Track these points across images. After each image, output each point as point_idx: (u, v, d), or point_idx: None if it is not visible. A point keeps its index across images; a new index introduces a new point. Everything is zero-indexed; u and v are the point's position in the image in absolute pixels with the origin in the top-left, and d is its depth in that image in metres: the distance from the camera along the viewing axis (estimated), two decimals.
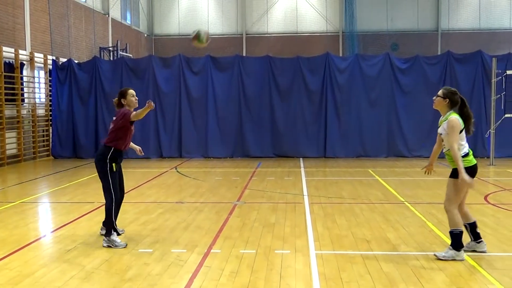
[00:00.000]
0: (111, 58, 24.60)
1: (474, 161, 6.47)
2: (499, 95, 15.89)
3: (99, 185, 12.43)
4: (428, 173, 7.23)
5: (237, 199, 10.46)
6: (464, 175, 6.20)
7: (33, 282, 5.73)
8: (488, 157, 16.14)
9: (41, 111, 18.94)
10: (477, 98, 17.47)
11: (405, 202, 9.96)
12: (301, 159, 17.45)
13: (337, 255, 6.62)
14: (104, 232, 7.30)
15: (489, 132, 16.00)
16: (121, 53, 25.22)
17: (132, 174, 14.40)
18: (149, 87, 18.17)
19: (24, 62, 17.67)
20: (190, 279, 5.77)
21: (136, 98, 7.43)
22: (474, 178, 6.39)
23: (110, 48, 25.54)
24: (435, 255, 6.46)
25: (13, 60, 16.95)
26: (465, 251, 6.48)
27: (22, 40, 17.70)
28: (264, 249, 6.89)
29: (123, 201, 7.58)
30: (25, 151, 17.61)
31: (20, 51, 17.31)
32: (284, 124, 18.05)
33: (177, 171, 14.94)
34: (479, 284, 5.57)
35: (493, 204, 9.81)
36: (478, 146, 17.46)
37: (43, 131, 18.95)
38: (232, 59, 18.50)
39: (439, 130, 6.66)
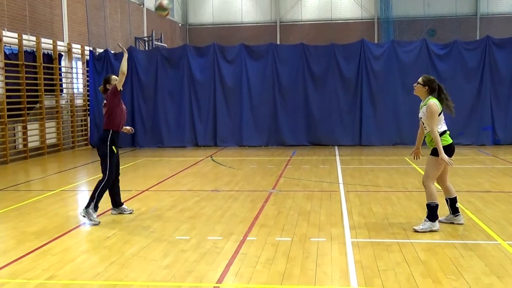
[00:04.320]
0: (146, 48, 24.85)
1: (451, 140, 7.05)
2: None
3: (135, 173, 12.69)
4: (416, 158, 7.65)
5: (272, 187, 10.48)
6: (443, 155, 6.79)
7: (74, 268, 5.87)
8: None
9: (79, 101, 19.29)
10: None
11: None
12: (336, 147, 17.35)
13: (373, 243, 6.58)
14: (115, 212, 8.29)
15: None
16: (156, 43, 25.43)
17: (168, 163, 14.58)
18: (183, 76, 18.31)
19: (62, 53, 18.00)
20: (226, 266, 5.82)
21: None
22: (452, 157, 6.95)
23: (145, 38, 25.78)
24: (414, 229, 6.98)
25: (52, 51, 17.29)
26: (442, 222, 7.27)
27: (60, 31, 18.02)
28: (300, 237, 6.90)
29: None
30: (64, 141, 17.99)
31: (58, 43, 17.63)
32: (318, 112, 17.93)
33: (213, 159, 15.04)
34: None
35: None
36: None
37: (81, 121, 19.32)
38: (266, 47, 18.45)
39: (420, 114, 7.16)
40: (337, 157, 14.98)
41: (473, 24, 30.40)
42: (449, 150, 6.97)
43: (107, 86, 8.21)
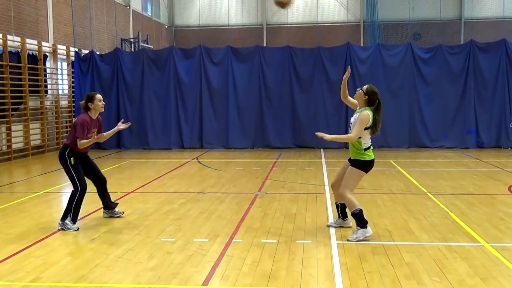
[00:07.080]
0: (133, 50, 24.75)
1: (373, 156, 6.99)
2: None
3: (121, 175, 12.63)
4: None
5: (258, 190, 10.49)
6: (329, 136, 7.10)
7: (59, 270, 5.83)
8: None
9: (64, 102, 19.15)
10: (501, 87, 17.29)
11: (427, 193, 9.90)
12: (322, 149, 17.41)
13: (358, 245, 6.61)
14: (107, 215, 8.20)
15: None
16: (142, 44, 25.35)
17: (154, 165, 14.53)
18: (170, 78, 18.27)
19: (47, 54, 17.87)
20: (212, 268, 5.82)
21: (103, 103, 7.77)
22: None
23: (131, 40, 25.69)
24: (348, 239, 6.79)
25: (37, 52, 17.15)
26: (330, 226, 7.44)
27: (45, 32, 17.89)
28: (286, 239, 6.91)
29: (105, 186, 8.18)
30: (49, 142, 17.85)
31: (43, 43, 17.50)
32: (304, 114, 17.98)
33: (198, 161, 15.02)
34: (503, 275, 5.52)
35: None
36: (502, 137, 17.30)
37: (67, 122, 19.17)
38: (253, 50, 18.48)
39: (351, 119, 7.11)
40: (323, 160, 15.03)
41: (458, 28, 30.72)
42: (369, 164, 6.95)
43: (89, 104, 7.64)
